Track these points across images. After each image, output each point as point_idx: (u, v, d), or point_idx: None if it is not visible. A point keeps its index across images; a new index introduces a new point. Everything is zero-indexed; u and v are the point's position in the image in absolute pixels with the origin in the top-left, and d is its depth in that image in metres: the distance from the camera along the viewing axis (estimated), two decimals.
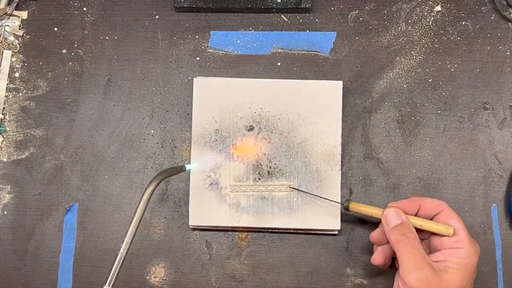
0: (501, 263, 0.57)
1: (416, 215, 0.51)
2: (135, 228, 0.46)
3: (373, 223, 0.58)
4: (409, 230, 0.49)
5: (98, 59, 0.62)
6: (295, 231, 0.58)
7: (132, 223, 0.46)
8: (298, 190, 0.56)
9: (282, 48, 0.61)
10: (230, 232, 0.59)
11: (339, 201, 0.55)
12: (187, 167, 0.55)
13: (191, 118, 0.59)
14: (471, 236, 0.49)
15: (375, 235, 0.53)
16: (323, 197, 0.56)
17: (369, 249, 0.57)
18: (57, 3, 0.63)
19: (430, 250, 0.51)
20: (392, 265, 0.55)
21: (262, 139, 0.58)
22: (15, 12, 0.63)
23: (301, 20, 0.62)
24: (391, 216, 0.50)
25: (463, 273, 0.47)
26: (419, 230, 0.50)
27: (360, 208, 0.53)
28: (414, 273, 0.46)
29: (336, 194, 0.56)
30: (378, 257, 0.53)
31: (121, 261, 0.45)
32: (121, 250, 0.45)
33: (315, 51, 0.61)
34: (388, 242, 0.51)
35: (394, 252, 0.51)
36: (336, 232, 0.58)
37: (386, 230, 0.50)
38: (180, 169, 0.53)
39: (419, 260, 0.47)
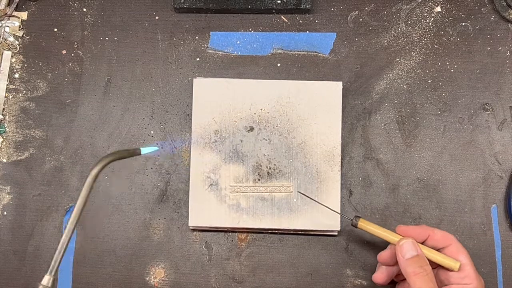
0: (501, 263, 0.57)
1: (423, 243, 0.51)
2: (78, 213, 0.43)
3: (374, 218, 0.58)
4: (425, 262, 0.48)
5: (98, 60, 0.62)
6: (295, 232, 0.58)
7: (75, 208, 0.43)
8: (307, 196, 0.56)
9: (282, 49, 0.61)
10: (230, 233, 0.59)
11: (348, 217, 0.54)
12: (143, 150, 0.49)
13: (191, 119, 0.59)
14: (477, 271, 0.49)
15: (384, 256, 0.52)
16: (333, 209, 0.55)
17: (369, 250, 0.57)
18: (57, 4, 0.63)
19: (437, 284, 0.50)
20: (391, 283, 0.55)
21: (262, 140, 0.58)
22: (15, 13, 0.63)
23: (301, 21, 0.62)
24: (407, 247, 0.49)
25: None
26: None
27: (369, 227, 0.52)
28: None
29: (336, 195, 0.56)
30: (381, 276, 0.53)
31: (63, 248, 0.42)
32: (63, 236, 0.43)
33: (315, 52, 0.61)
34: (395, 264, 0.51)
35: (397, 275, 0.52)
36: (336, 233, 0.58)
37: (401, 261, 0.49)
38: (133, 153, 0.48)
39: None
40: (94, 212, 0.60)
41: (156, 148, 0.51)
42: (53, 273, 0.42)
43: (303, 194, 0.56)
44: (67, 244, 0.42)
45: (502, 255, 0.57)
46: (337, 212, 0.55)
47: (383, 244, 0.54)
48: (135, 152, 0.48)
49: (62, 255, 0.42)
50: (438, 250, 0.50)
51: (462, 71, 0.60)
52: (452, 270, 0.49)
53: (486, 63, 0.60)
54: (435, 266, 0.51)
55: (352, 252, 0.58)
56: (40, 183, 0.60)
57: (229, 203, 0.57)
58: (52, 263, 0.42)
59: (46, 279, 0.42)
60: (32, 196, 0.60)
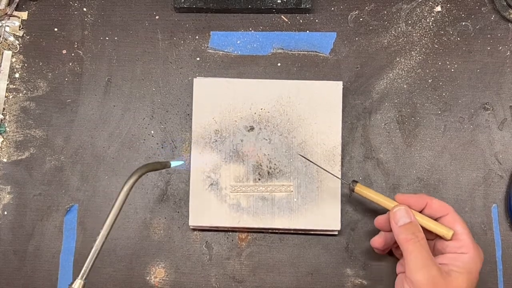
0: (501, 263, 0.57)
1: (420, 212, 0.51)
2: (112, 221, 0.45)
3: (374, 218, 0.58)
4: (418, 229, 0.49)
5: (98, 60, 0.62)
6: (295, 232, 0.58)
7: (109, 215, 0.45)
8: (307, 159, 0.56)
9: (282, 49, 0.61)
10: (230, 233, 0.59)
11: (346, 181, 0.55)
12: (172, 164, 0.53)
13: (191, 119, 0.59)
14: (475, 242, 0.49)
15: (380, 220, 0.53)
16: (329, 171, 0.55)
17: (369, 250, 0.57)
18: (57, 4, 0.63)
19: (434, 253, 0.51)
20: (390, 253, 0.56)
21: (262, 139, 0.58)
22: (15, 13, 0.63)
23: (301, 21, 0.62)
24: (400, 214, 0.50)
25: (466, 277, 0.47)
26: (424, 230, 0.50)
27: (366, 192, 0.52)
28: (422, 272, 0.47)
29: (336, 194, 0.56)
30: (379, 240, 0.53)
31: (95, 254, 0.44)
32: (96, 242, 0.44)
33: (315, 52, 0.61)
34: (390, 230, 0.51)
35: (394, 244, 0.53)
36: (336, 233, 0.58)
37: (394, 228, 0.50)
38: (164, 165, 0.52)
39: (427, 259, 0.47)
40: (94, 212, 0.60)
41: (182, 162, 0.57)
42: (84, 277, 0.43)
43: (303, 156, 0.56)
44: (99, 250, 0.44)
45: (502, 254, 0.57)
46: (336, 177, 0.55)
47: None
48: (166, 165, 0.52)
49: (94, 261, 0.44)
50: (435, 219, 0.51)
51: (463, 70, 0.60)
52: (446, 239, 0.49)
53: (487, 63, 0.60)
54: (433, 237, 0.51)
55: (352, 252, 0.58)
56: (41, 182, 0.60)
57: (229, 202, 0.57)
58: (84, 268, 0.44)
59: (78, 283, 0.43)
60: (32, 195, 0.60)
